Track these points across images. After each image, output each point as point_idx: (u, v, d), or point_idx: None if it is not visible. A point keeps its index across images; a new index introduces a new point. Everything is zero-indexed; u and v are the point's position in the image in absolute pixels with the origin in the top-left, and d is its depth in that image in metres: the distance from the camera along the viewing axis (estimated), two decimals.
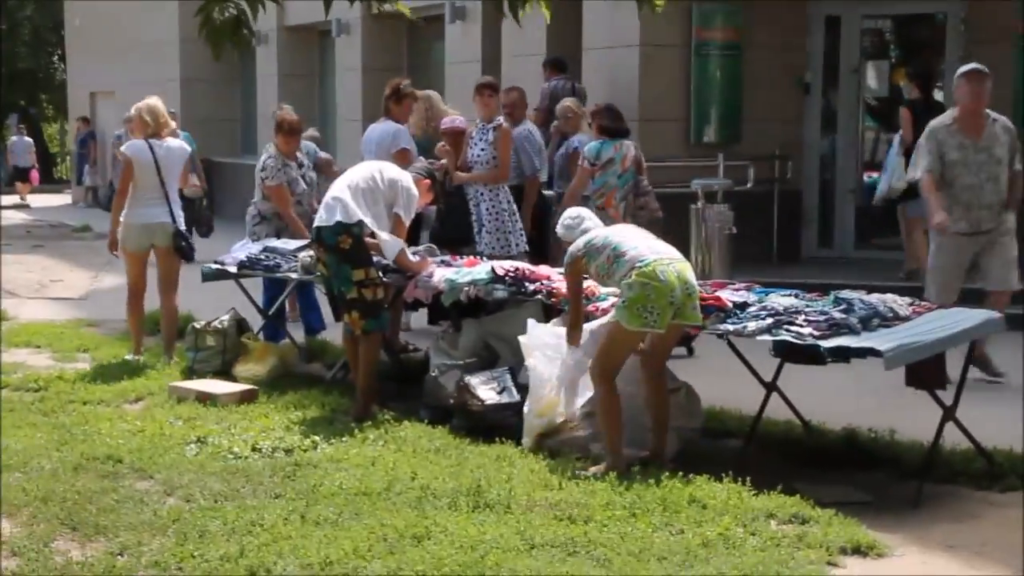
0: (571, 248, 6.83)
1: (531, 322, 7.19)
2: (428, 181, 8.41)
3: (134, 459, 6.75)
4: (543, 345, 7.03)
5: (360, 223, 7.68)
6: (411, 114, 10.35)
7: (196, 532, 5.56)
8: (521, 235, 9.96)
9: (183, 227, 9.53)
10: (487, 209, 9.86)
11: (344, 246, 7.71)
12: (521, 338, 7.23)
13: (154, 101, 9.59)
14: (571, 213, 7.19)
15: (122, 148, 9.75)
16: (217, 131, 22.91)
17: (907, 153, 11.67)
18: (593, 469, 6.43)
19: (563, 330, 6.99)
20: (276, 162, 9.79)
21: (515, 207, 9.99)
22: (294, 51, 21.28)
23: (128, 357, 9.44)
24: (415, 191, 7.99)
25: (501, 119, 9.81)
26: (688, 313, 6.49)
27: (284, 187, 9.77)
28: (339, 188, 7.84)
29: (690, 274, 6.54)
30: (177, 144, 9.61)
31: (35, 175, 30.93)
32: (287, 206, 9.79)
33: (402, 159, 9.40)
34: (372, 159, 9.00)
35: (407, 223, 8.00)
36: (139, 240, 9.42)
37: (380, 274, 7.90)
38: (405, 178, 8.00)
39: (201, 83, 21.58)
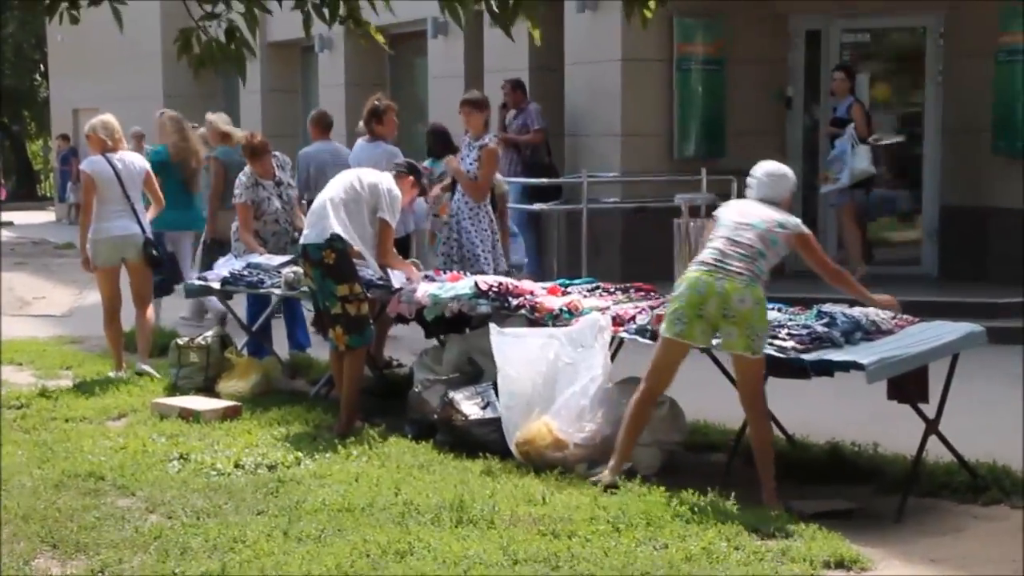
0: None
1: (493, 327, 7.19)
2: (411, 177, 8.34)
3: (116, 476, 6.72)
4: (514, 357, 7.05)
5: (341, 238, 7.69)
6: (394, 127, 10.39)
7: (178, 549, 5.54)
8: (501, 256, 9.80)
9: (151, 237, 9.51)
10: (466, 227, 9.75)
11: (328, 261, 7.71)
12: (492, 340, 7.21)
13: (108, 117, 9.66)
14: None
15: (81, 166, 9.73)
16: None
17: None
18: (597, 476, 6.45)
19: (532, 334, 7.00)
20: (248, 180, 9.83)
21: (495, 227, 9.82)
22: (277, 67, 21.28)
23: (111, 374, 9.40)
24: (397, 192, 7.99)
25: (489, 138, 9.76)
26: (724, 338, 6.29)
27: (247, 206, 9.77)
28: (321, 202, 7.86)
29: (735, 296, 6.22)
30: (134, 156, 9.68)
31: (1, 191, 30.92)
32: (245, 225, 9.79)
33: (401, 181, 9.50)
34: None
35: (393, 224, 7.99)
36: (109, 255, 9.40)
37: (364, 289, 7.88)
38: (385, 180, 8.00)
39: (184, 99, 21.50)
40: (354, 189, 7.89)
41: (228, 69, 5.79)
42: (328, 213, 7.75)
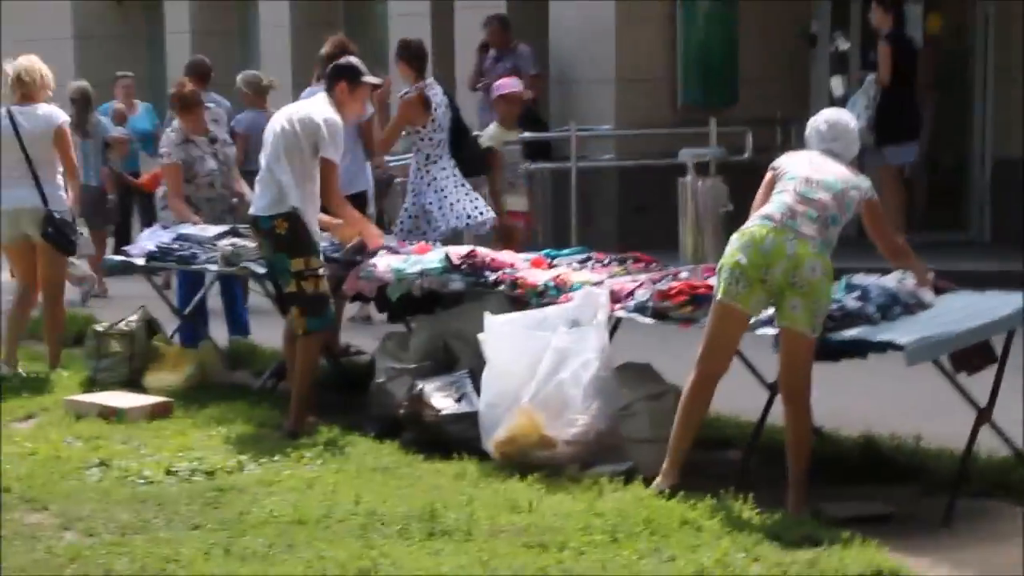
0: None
1: (488, 316, 7.19)
2: (343, 82, 7.92)
3: (24, 487, 6.70)
4: (510, 339, 7.05)
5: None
6: None
7: (99, 572, 5.53)
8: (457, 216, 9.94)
9: (62, 212, 9.26)
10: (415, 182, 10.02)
11: (279, 231, 7.72)
12: (480, 334, 7.23)
13: (25, 60, 9.46)
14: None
15: None
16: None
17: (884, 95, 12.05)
18: (656, 481, 6.42)
19: (528, 320, 7.02)
20: (177, 137, 9.82)
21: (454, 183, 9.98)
22: (209, 3, 21.16)
23: None
24: (336, 119, 7.78)
25: (417, 87, 9.89)
26: (785, 310, 6.26)
27: (178, 167, 9.77)
28: (265, 164, 7.86)
29: (807, 263, 6.20)
30: (47, 111, 9.36)
31: None
32: (176, 190, 9.80)
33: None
34: None
35: (336, 159, 7.79)
36: (8, 230, 9.33)
37: (323, 263, 7.85)
38: (319, 112, 7.80)
39: (98, 40, 21.42)
40: (288, 132, 7.76)
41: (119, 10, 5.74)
42: (280, 177, 7.72)
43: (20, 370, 9.35)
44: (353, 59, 8.13)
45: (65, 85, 12.75)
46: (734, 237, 6.44)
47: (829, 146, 6.58)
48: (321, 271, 7.81)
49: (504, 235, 10.15)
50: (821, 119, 6.69)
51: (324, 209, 7.93)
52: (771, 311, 6.42)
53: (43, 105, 9.40)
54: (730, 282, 6.33)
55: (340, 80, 7.91)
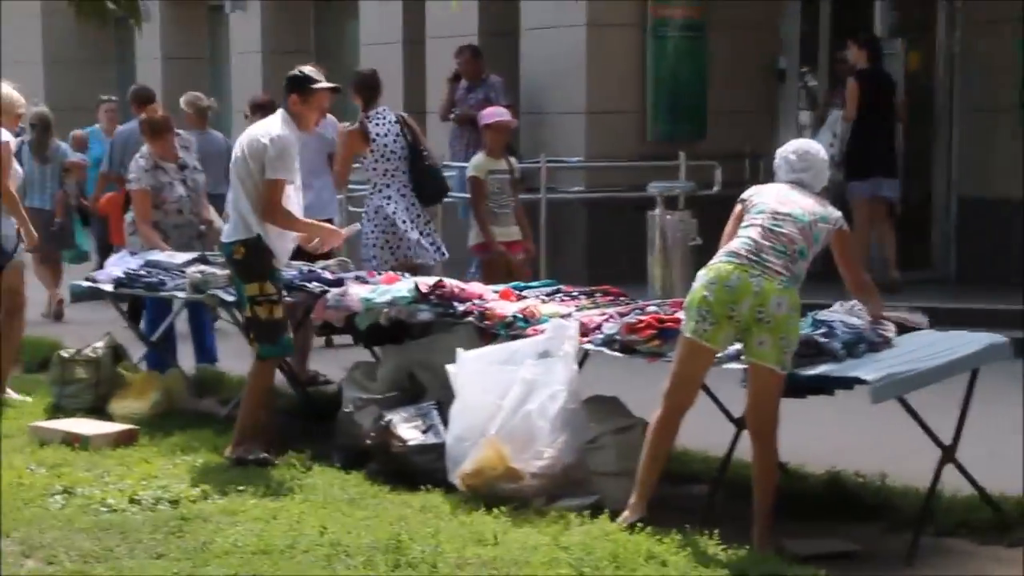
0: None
1: (461, 352, 7.19)
2: (294, 94, 7.80)
3: None
4: (479, 375, 7.04)
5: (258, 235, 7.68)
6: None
7: None
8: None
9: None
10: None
11: (237, 256, 7.76)
12: (450, 368, 7.22)
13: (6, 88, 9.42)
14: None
15: None
16: (88, 122, 22.70)
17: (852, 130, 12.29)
18: (624, 515, 6.39)
19: (496, 356, 7.02)
20: (146, 163, 9.84)
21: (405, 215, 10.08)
22: (180, 29, 21.16)
23: None
24: (282, 135, 7.65)
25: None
26: (752, 346, 6.27)
27: (146, 192, 9.79)
28: (229, 190, 7.95)
29: (773, 299, 6.20)
30: None
31: None
32: (144, 216, 9.82)
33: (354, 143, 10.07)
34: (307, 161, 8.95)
35: (279, 177, 7.63)
36: None
37: (279, 290, 7.82)
38: (267, 131, 7.71)
39: (68, 64, 21.39)
40: (236, 160, 7.78)
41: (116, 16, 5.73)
42: (239, 206, 7.74)
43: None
44: (305, 68, 8.00)
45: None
46: (701, 273, 6.45)
47: (799, 176, 6.60)
48: (276, 297, 7.75)
49: (503, 268, 10.06)
50: (790, 149, 6.71)
51: None
52: (738, 346, 6.44)
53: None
54: (697, 319, 6.34)
55: (292, 92, 7.84)
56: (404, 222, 9.93)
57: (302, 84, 7.83)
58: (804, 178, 6.60)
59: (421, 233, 10.00)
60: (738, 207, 6.61)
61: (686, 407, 6.50)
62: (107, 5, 5.60)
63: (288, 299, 8.68)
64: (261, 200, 7.65)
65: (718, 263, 6.38)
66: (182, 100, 12.61)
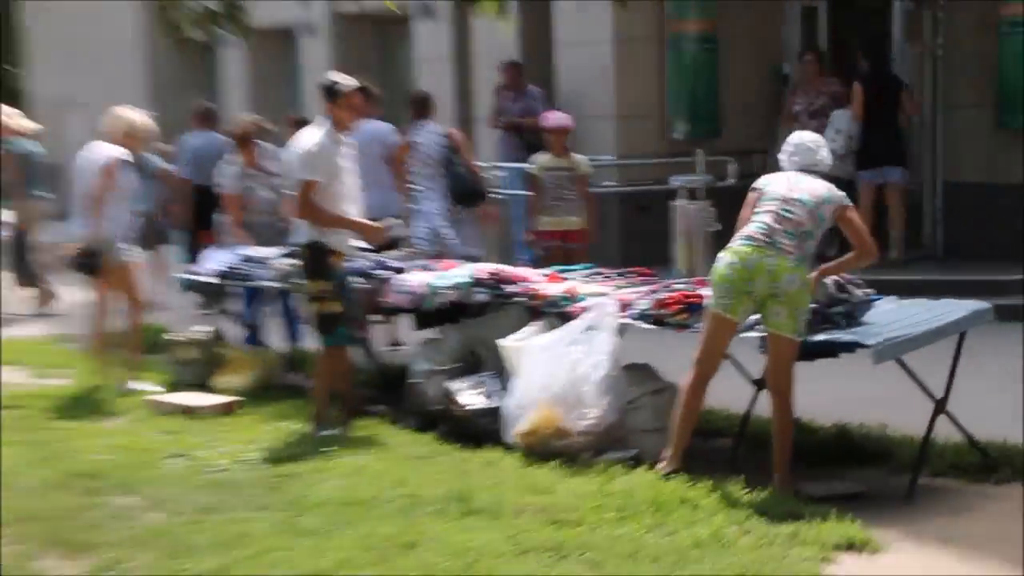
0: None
1: (527, 338, 7.26)
2: (329, 102, 7.65)
3: (116, 475, 6.77)
4: (535, 353, 7.10)
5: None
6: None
7: (182, 546, 5.60)
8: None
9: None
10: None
11: (303, 258, 7.74)
12: (504, 343, 7.28)
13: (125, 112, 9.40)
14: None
15: None
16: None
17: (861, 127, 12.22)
18: (660, 465, 6.45)
19: (550, 338, 7.04)
20: (235, 170, 9.92)
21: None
22: (260, 54, 21.23)
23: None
24: (310, 141, 7.56)
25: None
26: (770, 317, 6.32)
27: (234, 196, 9.87)
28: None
29: (785, 275, 6.24)
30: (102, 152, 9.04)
31: None
32: (235, 216, 9.89)
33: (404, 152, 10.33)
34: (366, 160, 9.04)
35: (311, 177, 7.49)
36: None
37: (338, 287, 7.64)
38: (297, 144, 7.66)
39: (168, 88, 21.47)
40: (290, 173, 7.77)
41: (215, 38, 5.75)
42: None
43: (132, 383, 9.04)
44: (333, 75, 7.86)
45: None
46: (721, 255, 6.48)
47: (795, 161, 6.62)
48: (331, 295, 7.60)
49: (559, 254, 10.03)
50: (794, 142, 6.74)
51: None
52: (757, 316, 6.48)
53: (101, 144, 9.17)
54: (720, 295, 6.38)
55: (325, 100, 7.71)
56: (436, 219, 10.12)
57: (330, 89, 7.67)
58: (797, 161, 6.61)
59: (449, 230, 10.15)
60: (752, 194, 6.62)
61: (713, 371, 6.54)
62: (215, 29, 5.61)
63: (363, 285, 8.78)
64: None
65: (736, 246, 6.41)
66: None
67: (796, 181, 6.53)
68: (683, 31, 13.65)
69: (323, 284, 7.62)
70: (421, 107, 10.62)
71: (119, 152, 9.04)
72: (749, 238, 6.39)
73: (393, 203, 10.39)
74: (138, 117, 9.29)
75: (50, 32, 26.15)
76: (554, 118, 10.48)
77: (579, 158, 10.28)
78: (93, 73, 24.72)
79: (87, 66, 25.09)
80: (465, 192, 10.47)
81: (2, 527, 5.95)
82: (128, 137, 9.12)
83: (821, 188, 6.51)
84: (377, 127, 10.38)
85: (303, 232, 7.67)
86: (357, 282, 8.02)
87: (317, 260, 7.63)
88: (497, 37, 14.01)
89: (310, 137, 7.65)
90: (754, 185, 6.67)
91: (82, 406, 8.50)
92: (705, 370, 6.51)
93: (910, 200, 12.88)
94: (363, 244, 8.05)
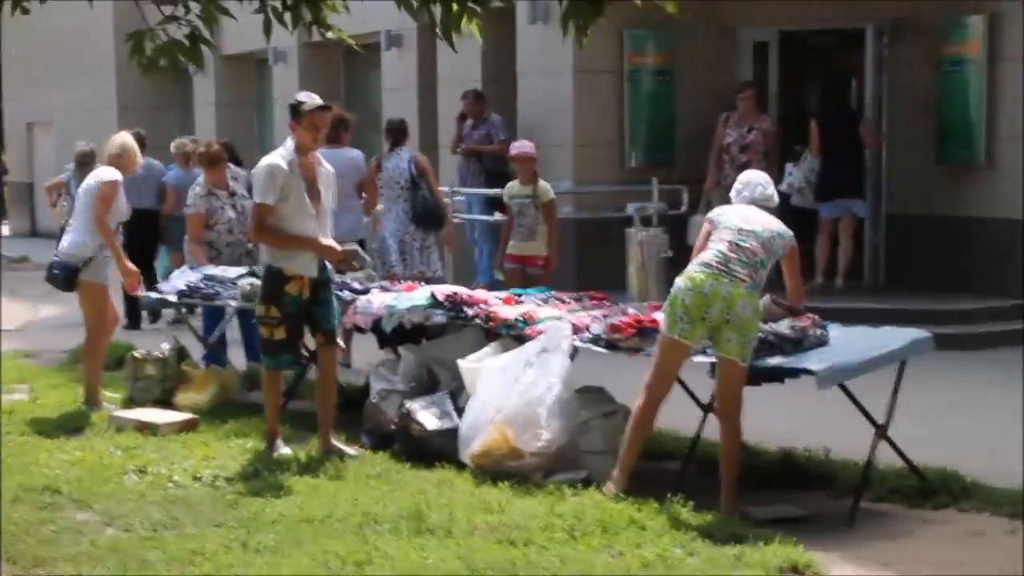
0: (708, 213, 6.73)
1: (485, 359, 7.19)
2: (293, 121, 7.40)
3: (72, 490, 6.63)
4: (491, 375, 7.02)
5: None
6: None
7: (136, 562, 5.48)
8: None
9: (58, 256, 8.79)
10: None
11: (262, 280, 7.62)
12: (461, 363, 7.19)
13: (117, 136, 9.21)
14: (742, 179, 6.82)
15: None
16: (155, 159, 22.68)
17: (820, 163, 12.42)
18: (608, 486, 6.37)
19: (506, 359, 6.98)
20: (201, 190, 9.86)
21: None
22: (231, 80, 21.15)
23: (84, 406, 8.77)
24: (261, 166, 7.31)
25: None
26: (721, 343, 6.26)
27: (198, 216, 9.78)
28: None
29: (739, 302, 6.20)
30: (101, 171, 8.89)
31: None
32: (195, 236, 9.82)
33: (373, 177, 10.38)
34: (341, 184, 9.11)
35: (260, 200, 7.26)
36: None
37: (281, 313, 7.35)
38: (259, 166, 7.40)
39: (140, 112, 21.34)
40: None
41: (181, 67, 5.70)
42: None
43: (106, 404, 8.80)
44: (300, 95, 7.53)
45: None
46: (678, 280, 6.42)
47: (746, 196, 6.63)
48: (276, 321, 7.35)
49: (523, 280, 9.84)
50: (739, 180, 6.78)
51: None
52: (706, 342, 6.42)
53: (103, 168, 8.97)
54: (675, 320, 6.32)
55: (291, 120, 7.41)
56: (393, 240, 10.14)
57: (295, 108, 7.39)
58: (746, 195, 6.63)
59: (411, 251, 10.08)
60: (706, 225, 6.59)
61: (665, 395, 6.49)
62: (177, 56, 5.55)
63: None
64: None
65: (692, 272, 6.36)
66: (173, 144, 12.97)
67: (749, 213, 6.53)
68: (640, 64, 13.64)
69: (271, 309, 7.39)
70: (398, 134, 10.59)
71: (115, 175, 8.83)
72: (705, 264, 6.34)
73: (360, 227, 10.42)
74: (129, 141, 9.11)
75: (25, 53, 25.96)
76: (517, 147, 10.40)
77: (544, 185, 10.17)
78: (66, 94, 24.58)
79: (60, 87, 24.95)
80: (428, 216, 10.39)
81: None
82: (119, 159, 8.91)
83: (774, 223, 6.52)
84: (350, 153, 10.43)
85: (264, 254, 7.57)
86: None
87: (268, 283, 7.44)
88: (461, 66, 13.98)
89: (267, 159, 7.41)
90: (708, 216, 6.66)
91: (41, 421, 8.34)
92: (657, 394, 6.44)
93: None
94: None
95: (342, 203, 9.28)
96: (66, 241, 8.86)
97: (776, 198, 6.74)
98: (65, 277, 8.72)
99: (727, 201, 6.82)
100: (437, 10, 5.54)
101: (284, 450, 7.40)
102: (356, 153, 10.58)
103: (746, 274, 6.28)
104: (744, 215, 6.51)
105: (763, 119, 12.87)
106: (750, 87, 13.03)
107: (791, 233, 6.58)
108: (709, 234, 6.51)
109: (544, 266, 10.15)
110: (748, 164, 11.65)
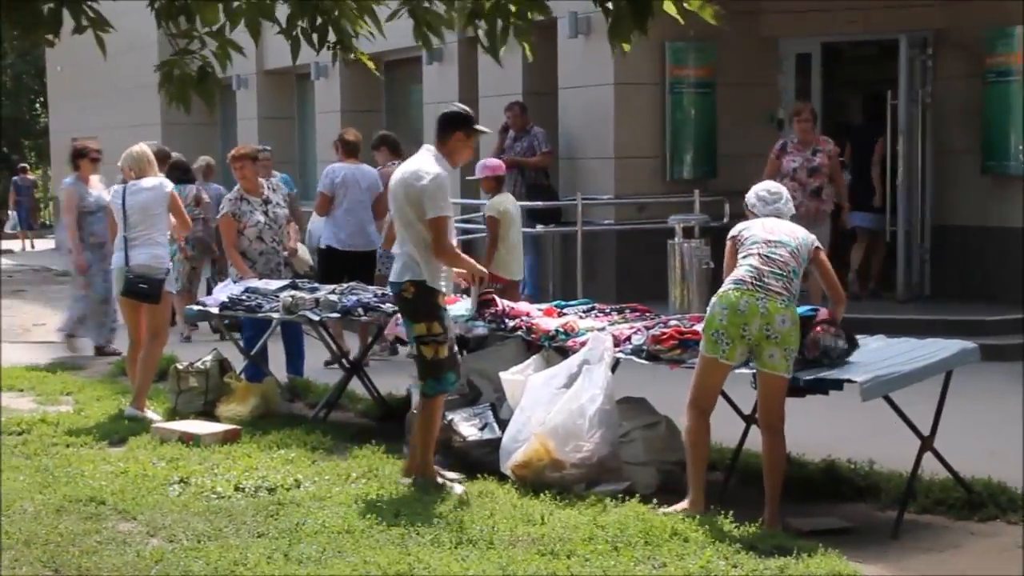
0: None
1: (530, 376, 7.14)
2: (459, 132, 6.95)
3: (117, 500, 6.67)
4: (534, 387, 7.01)
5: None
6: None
7: (179, 572, 5.50)
8: None
9: (143, 270, 8.94)
10: None
11: (406, 295, 6.87)
12: (504, 375, 7.19)
13: (136, 147, 9.37)
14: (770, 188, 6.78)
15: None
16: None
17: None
18: (676, 507, 6.32)
19: (548, 372, 6.96)
20: (233, 195, 9.96)
21: None
22: (273, 94, 21.28)
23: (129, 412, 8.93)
24: (434, 172, 6.77)
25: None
26: (764, 358, 6.21)
27: (229, 219, 9.81)
28: (399, 235, 7.03)
29: (777, 316, 6.16)
30: (152, 184, 9.10)
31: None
32: (230, 242, 9.85)
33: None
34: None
35: (442, 213, 6.73)
36: (118, 286, 9.25)
37: (447, 329, 6.88)
38: (422, 171, 6.81)
39: (182, 127, 21.50)
40: (396, 202, 6.89)
41: (196, 101, 5.77)
42: (403, 245, 6.91)
43: (149, 412, 8.94)
44: (465, 108, 7.16)
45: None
46: (714, 301, 6.37)
47: (775, 208, 6.62)
48: (442, 338, 6.82)
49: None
50: (761, 188, 6.74)
51: None
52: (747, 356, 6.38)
53: (153, 178, 9.17)
54: (714, 341, 6.28)
55: (457, 129, 6.93)
56: None
57: (469, 123, 6.98)
58: (779, 207, 6.60)
59: None
60: (730, 243, 6.56)
61: (710, 409, 6.45)
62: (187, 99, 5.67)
63: (365, 318, 8.71)
64: (431, 238, 6.76)
65: (728, 290, 6.32)
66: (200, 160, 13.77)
67: (772, 225, 6.51)
68: (682, 76, 13.64)
69: (434, 326, 6.83)
70: (388, 145, 11.63)
71: (170, 185, 9.22)
72: (739, 282, 6.30)
73: (377, 240, 11.06)
74: (147, 148, 9.38)
75: (71, 70, 26.26)
76: (486, 164, 10.11)
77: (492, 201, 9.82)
78: (111, 110, 24.83)
79: (105, 103, 25.20)
80: None
81: (3, 551, 5.84)
82: (133, 168, 9.19)
83: (798, 231, 6.51)
84: (370, 170, 11.34)
85: (407, 269, 6.83)
86: (358, 314, 7.96)
87: (425, 299, 6.83)
88: (504, 80, 14.01)
89: (433, 168, 6.80)
90: (731, 234, 6.61)
91: (86, 432, 8.40)
92: (701, 411, 6.41)
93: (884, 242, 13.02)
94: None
95: (366, 215, 11.02)
96: (142, 255, 8.97)
97: (792, 208, 6.72)
98: (153, 290, 8.98)
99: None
100: (482, 25, 5.55)
101: (458, 489, 6.76)
102: (372, 170, 11.31)
103: (781, 287, 6.25)
104: (768, 227, 6.49)
105: (825, 141, 12.41)
106: (807, 107, 12.60)
107: (813, 236, 6.57)
108: (735, 251, 6.48)
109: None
110: (820, 189, 11.47)
